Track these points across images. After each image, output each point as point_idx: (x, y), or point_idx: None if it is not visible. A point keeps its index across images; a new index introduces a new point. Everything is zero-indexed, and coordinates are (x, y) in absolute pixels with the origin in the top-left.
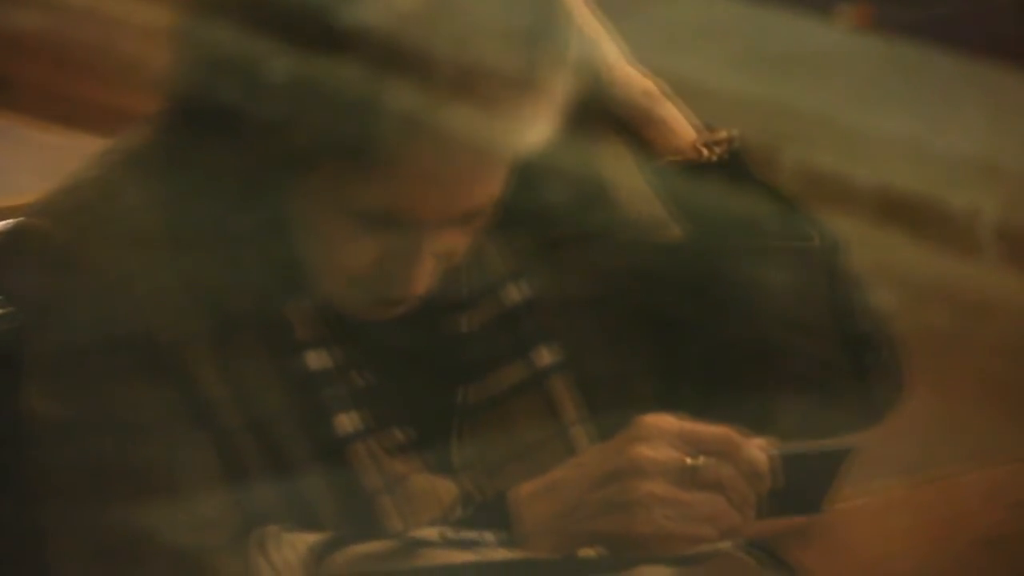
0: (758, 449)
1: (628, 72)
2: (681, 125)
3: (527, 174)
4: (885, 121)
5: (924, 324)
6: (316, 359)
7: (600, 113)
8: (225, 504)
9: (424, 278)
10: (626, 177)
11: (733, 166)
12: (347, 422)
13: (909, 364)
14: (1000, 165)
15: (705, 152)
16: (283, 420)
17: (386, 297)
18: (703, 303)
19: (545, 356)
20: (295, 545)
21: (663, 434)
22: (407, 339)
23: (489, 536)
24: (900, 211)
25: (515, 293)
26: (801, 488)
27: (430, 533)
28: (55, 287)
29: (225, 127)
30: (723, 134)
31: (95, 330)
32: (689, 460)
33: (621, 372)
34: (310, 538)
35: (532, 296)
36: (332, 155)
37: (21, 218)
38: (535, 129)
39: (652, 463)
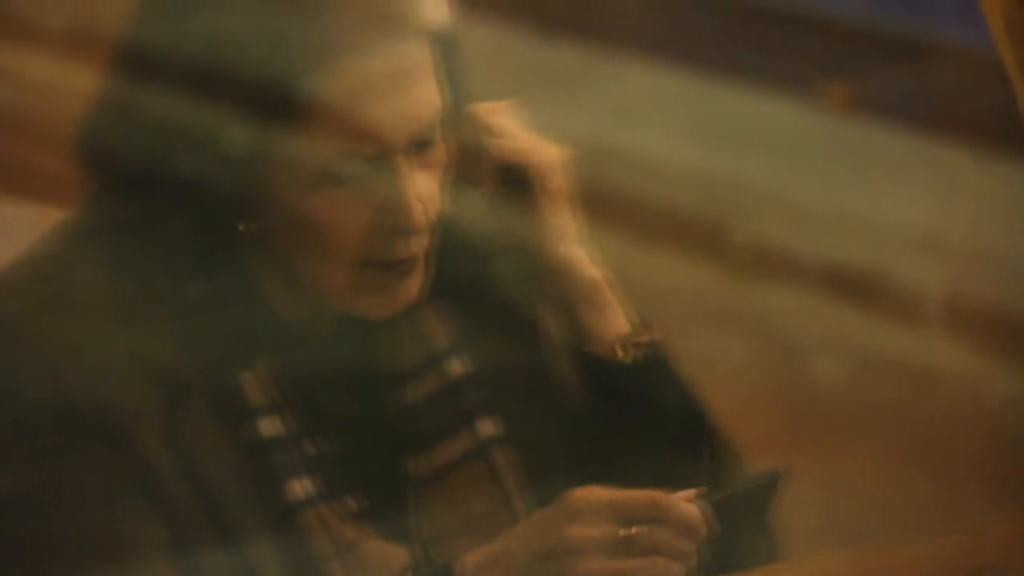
0: (688, 503)
1: (577, 256)
2: (615, 316)
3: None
4: (834, 195)
5: (870, 395)
6: (269, 426)
7: (534, 289)
8: (173, 573)
9: (421, 214)
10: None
11: (647, 367)
12: (299, 488)
13: (856, 434)
14: (946, 240)
15: (620, 353)
16: (235, 487)
17: (397, 243)
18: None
19: (488, 427)
20: None
21: (593, 508)
22: (356, 407)
23: None
24: (848, 284)
25: (457, 366)
26: (740, 526)
27: None
28: (5, 360)
29: (162, 190)
30: (645, 338)
31: (44, 403)
32: (622, 531)
33: (558, 440)
34: None
35: (473, 369)
36: (273, 122)
37: None
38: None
39: (585, 541)
